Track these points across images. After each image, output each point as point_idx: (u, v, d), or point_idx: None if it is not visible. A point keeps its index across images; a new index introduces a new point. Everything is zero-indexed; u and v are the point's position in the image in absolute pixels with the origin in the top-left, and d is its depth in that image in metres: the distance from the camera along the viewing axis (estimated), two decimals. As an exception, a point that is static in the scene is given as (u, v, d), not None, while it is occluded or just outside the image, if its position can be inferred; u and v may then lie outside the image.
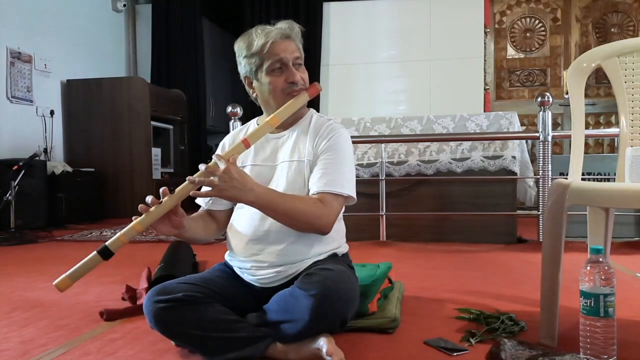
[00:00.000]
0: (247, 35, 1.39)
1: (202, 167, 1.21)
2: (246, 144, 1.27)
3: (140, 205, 1.20)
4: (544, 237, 1.34)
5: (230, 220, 1.45)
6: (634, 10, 5.18)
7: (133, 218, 1.20)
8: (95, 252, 1.17)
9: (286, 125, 1.42)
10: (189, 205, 1.34)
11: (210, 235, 1.44)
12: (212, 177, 1.19)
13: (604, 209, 1.51)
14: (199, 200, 1.47)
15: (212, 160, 1.23)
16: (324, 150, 1.36)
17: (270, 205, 1.25)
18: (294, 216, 1.27)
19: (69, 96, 5.06)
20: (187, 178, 1.20)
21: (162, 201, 1.20)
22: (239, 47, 1.40)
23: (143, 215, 1.19)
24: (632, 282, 2.09)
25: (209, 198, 1.44)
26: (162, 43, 5.89)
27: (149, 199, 1.20)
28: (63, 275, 1.16)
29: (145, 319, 1.28)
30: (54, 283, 1.17)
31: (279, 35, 1.35)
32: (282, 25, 1.38)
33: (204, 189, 1.22)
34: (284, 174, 1.37)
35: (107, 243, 1.18)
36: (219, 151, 1.51)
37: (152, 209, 1.19)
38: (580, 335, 1.14)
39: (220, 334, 1.22)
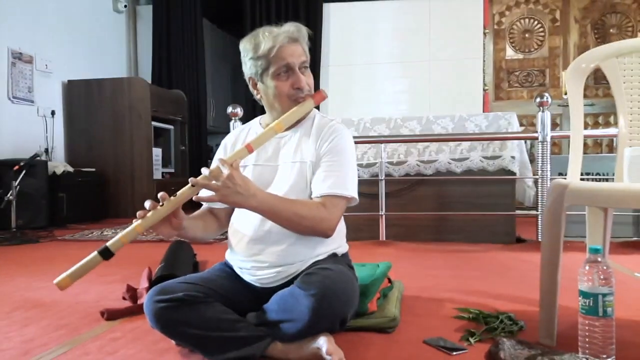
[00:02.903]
0: (254, 37, 1.37)
1: (205, 171, 1.21)
2: (249, 149, 1.27)
3: (139, 213, 1.20)
4: (542, 237, 1.34)
5: (231, 220, 1.45)
6: (632, 11, 5.19)
7: (134, 220, 1.20)
8: (95, 252, 1.18)
9: (289, 125, 1.42)
10: (190, 203, 1.34)
11: (210, 234, 1.45)
12: (215, 182, 1.19)
13: (602, 208, 1.51)
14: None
15: (214, 163, 1.23)
16: (327, 152, 1.36)
17: (272, 210, 1.26)
18: (297, 221, 1.27)
19: (70, 96, 5.07)
20: (189, 179, 1.21)
21: (162, 204, 1.20)
22: (245, 48, 1.39)
23: (143, 218, 1.19)
24: (631, 282, 2.10)
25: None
26: (163, 44, 5.90)
27: (147, 203, 1.20)
28: (64, 274, 1.16)
29: (145, 319, 1.29)
30: (54, 281, 1.17)
31: (286, 39, 1.34)
32: (290, 27, 1.36)
33: (206, 192, 1.23)
34: (286, 175, 1.38)
35: (107, 244, 1.18)
36: (220, 151, 1.52)
37: (149, 214, 1.19)
38: (579, 335, 1.14)
39: (220, 334, 1.23)
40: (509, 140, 3.17)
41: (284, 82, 1.35)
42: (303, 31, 1.38)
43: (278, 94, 1.36)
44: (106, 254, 1.18)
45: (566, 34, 5.31)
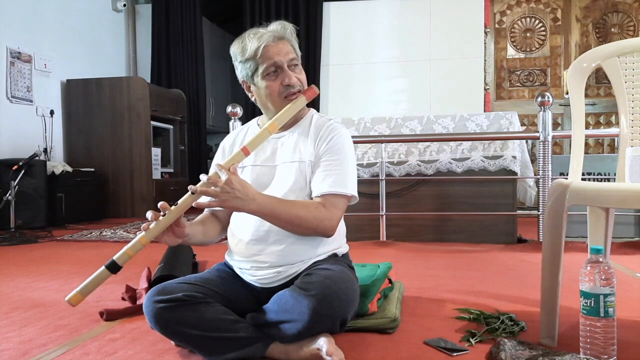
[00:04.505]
0: (240, 40, 1.38)
1: (203, 177, 1.21)
2: (245, 151, 1.27)
3: (143, 226, 1.21)
4: (544, 237, 1.34)
5: (231, 221, 1.45)
6: (634, 10, 5.18)
7: (137, 233, 1.20)
8: (103, 267, 1.20)
9: (286, 125, 1.41)
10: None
11: (214, 237, 1.45)
12: (214, 188, 1.19)
13: (604, 209, 1.51)
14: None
15: (212, 169, 1.23)
16: (326, 151, 1.36)
17: (272, 213, 1.26)
18: (297, 223, 1.28)
19: (68, 96, 5.06)
20: (189, 187, 1.21)
21: (165, 213, 1.20)
22: (234, 52, 1.40)
23: (147, 230, 1.21)
24: (632, 282, 2.09)
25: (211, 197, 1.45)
26: (162, 43, 5.90)
27: (149, 214, 1.21)
28: (74, 291, 1.19)
29: (145, 319, 1.28)
30: (66, 299, 1.19)
31: (271, 38, 1.34)
32: (275, 26, 1.36)
33: (206, 198, 1.23)
34: (285, 174, 1.37)
35: (114, 257, 1.20)
36: (218, 153, 1.52)
37: (152, 225, 1.20)
38: (581, 336, 1.14)
39: (220, 334, 1.22)
40: (510, 140, 3.17)
41: (274, 81, 1.35)
42: (289, 28, 1.38)
43: (269, 93, 1.36)
44: (114, 267, 1.20)
45: (567, 33, 5.30)
